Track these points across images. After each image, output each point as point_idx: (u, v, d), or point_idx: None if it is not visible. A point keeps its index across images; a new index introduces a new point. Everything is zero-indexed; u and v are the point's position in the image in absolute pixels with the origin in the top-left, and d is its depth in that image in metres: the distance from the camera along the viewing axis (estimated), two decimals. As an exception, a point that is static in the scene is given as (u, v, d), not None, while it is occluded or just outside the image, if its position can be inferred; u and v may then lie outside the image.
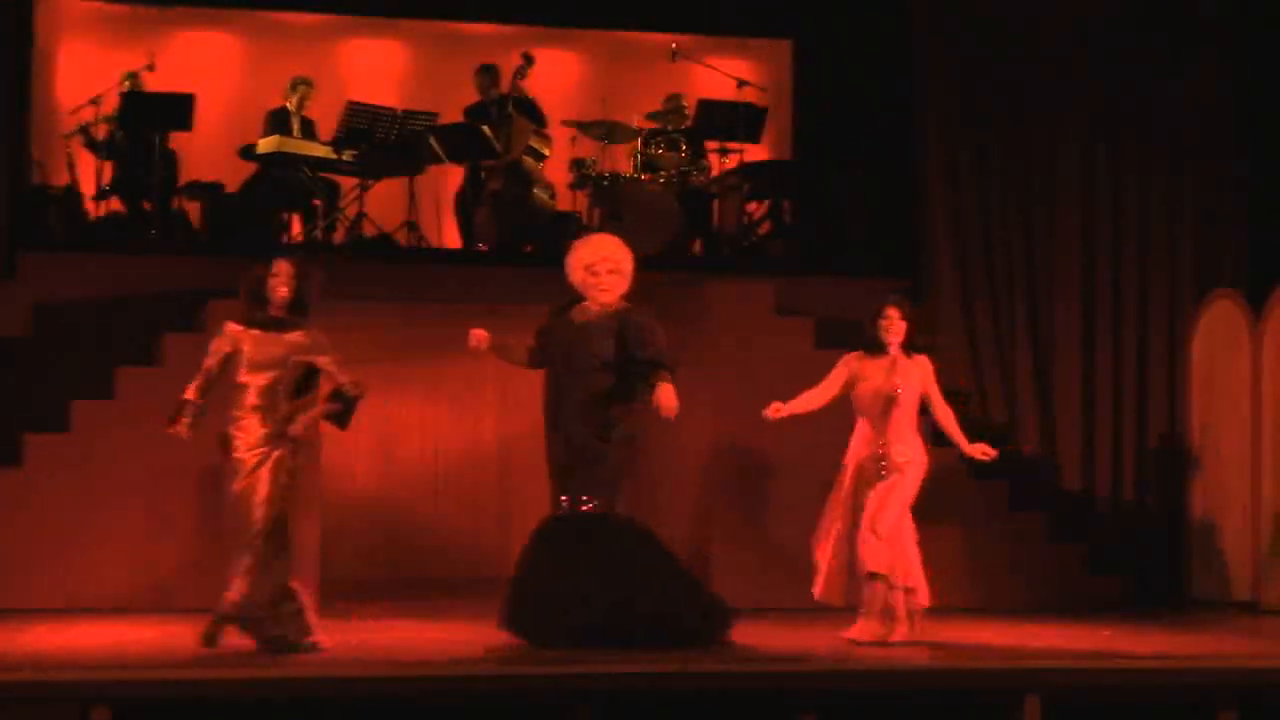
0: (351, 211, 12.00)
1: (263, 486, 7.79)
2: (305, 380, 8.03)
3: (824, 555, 8.80)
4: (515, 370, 11.98)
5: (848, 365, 8.77)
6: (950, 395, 11.58)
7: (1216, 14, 12.08)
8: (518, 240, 11.98)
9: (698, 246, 12.49)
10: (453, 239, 12.58)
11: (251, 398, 7.90)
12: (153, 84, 12.18)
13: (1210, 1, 12.10)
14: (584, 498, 8.15)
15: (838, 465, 8.83)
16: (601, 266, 8.28)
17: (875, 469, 8.69)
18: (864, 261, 12.05)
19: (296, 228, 12.16)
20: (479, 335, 8.35)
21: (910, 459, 8.70)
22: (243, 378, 7.94)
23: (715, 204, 12.59)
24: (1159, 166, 12.01)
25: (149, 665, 7.44)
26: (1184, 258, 11.99)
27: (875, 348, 8.71)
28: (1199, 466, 11.29)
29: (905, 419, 8.71)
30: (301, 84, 12.39)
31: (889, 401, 8.64)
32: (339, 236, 12.04)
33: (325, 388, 8.03)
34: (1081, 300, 11.85)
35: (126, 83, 12.17)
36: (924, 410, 8.89)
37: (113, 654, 7.78)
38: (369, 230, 11.90)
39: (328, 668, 7.34)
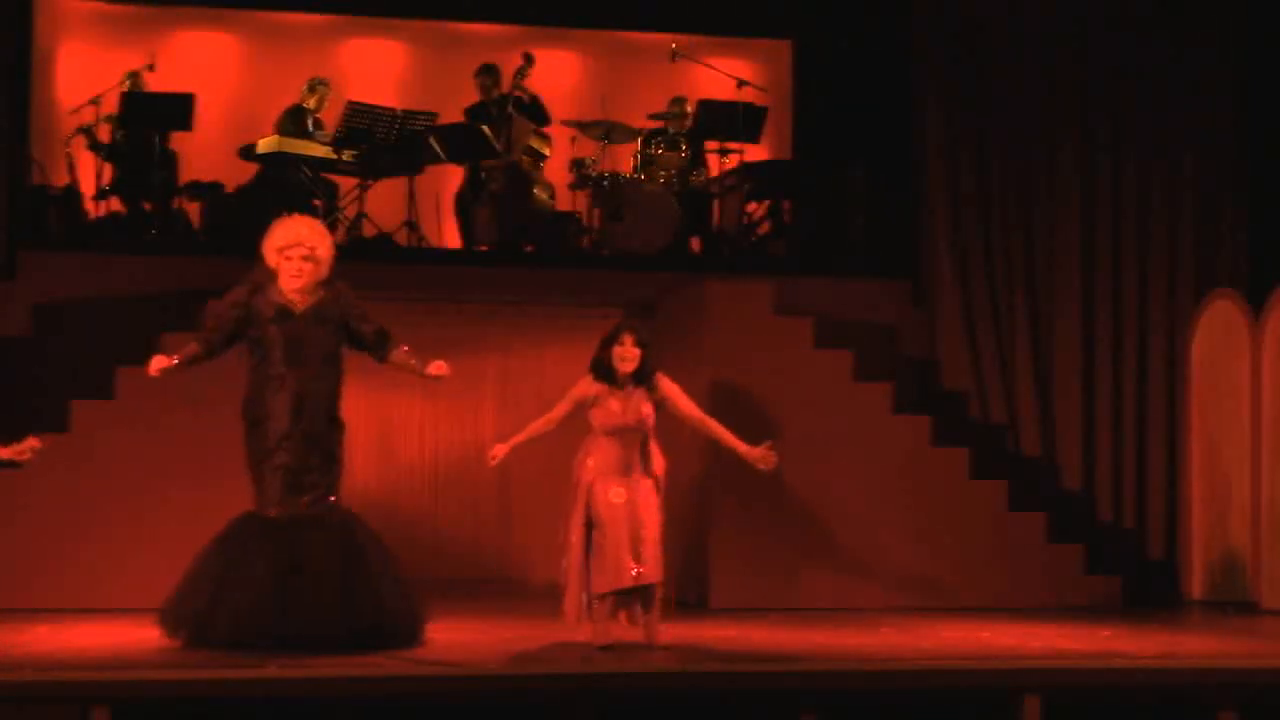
0: (351, 211, 12.00)
1: None
2: None
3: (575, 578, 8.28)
4: (515, 370, 12.11)
5: (583, 392, 8.31)
6: (951, 395, 11.69)
7: (1216, 14, 12.08)
8: (518, 240, 11.98)
9: (698, 246, 12.49)
10: (453, 239, 12.58)
11: None
12: (153, 84, 12.18)
13: (1210, 3, 12.10)
14: (326, 497, 8.03)
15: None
16: (295, 251, 8.02)
17: (624, 478, 8.24)
18: (864, 261, 12.06)
19: (297, 228, 12.14)
20: (158, 361, 8.01)
21: (659, 464, 8.37)
22: None
23: (715, 204, 12.59)
24: (1159, 167, 12.01)
25: (149, 665, 7.43)
26: (1184, 258, 11.99)
27: (610, 378, 8.28)
28: (1199, 466, 11.29)
29: (650, 439, 8.36)
30: (320, 85, 12.42)
31: (637, 434, 8.28)
32: (339, 236, 12.03)
33: None
34: (1081, 300, 11.85)
35: (126, 83, 12.17)
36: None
37: (113, 654, 7.78)
38: (369, 230, 11.90)
39: (328, 668, 7.33)
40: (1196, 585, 11.20)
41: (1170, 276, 11.97)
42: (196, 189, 12.12)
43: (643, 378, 8.32)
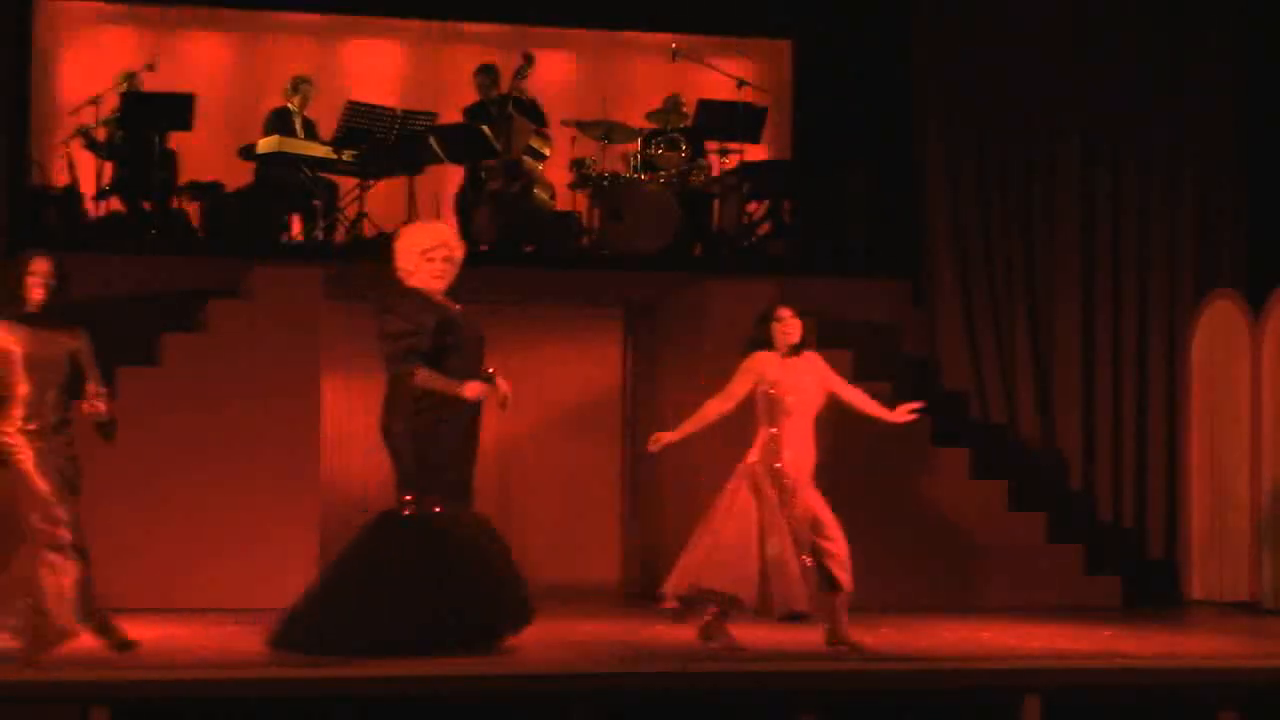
0: (351, 211, 12.00)
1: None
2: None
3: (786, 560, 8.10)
4: (515, 370, 11.99)
5: (755, 371, 8.12)
6: (951, 395, 11.69)
7: (1216, 14, 12.08)
8: (518, 240, 11.98)
9: (698, 246, 12.48)
10: (451, 239, 12.55)
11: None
12: (152, 84, 12.17)
13: (1210, 3, 12.10)
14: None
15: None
16: (438, 253, 8.01)
17: (810, 478, 8.15)
18: (864, 261, 12.06)
19: (296, 228, 12.16)
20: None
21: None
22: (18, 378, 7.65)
23: (715, 204, 12.59)
24: (1159, 167, 12.01)
25: (149, 665, 7.43)
26: (1184, 258, 12.00)
27: (780, 350, 8.14)
28: (1199, 466, 11.28)
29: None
30: (303, 83, 12.38)
31: (815, 406, 8.15)
32: (339, 236, 12.03)
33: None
34: (1081, 300, 11.85)
35: (126, 83, 12.16)
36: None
37: (113, 654, 7.77)
38: (369, 230, 11.89)
39: (328, 667, 7.33)
40: (1196, 585, 11.20)
41: (1170, 276, 11.97)
42: (196, 189, 12.12)
43: (800, 349, 8.18)
